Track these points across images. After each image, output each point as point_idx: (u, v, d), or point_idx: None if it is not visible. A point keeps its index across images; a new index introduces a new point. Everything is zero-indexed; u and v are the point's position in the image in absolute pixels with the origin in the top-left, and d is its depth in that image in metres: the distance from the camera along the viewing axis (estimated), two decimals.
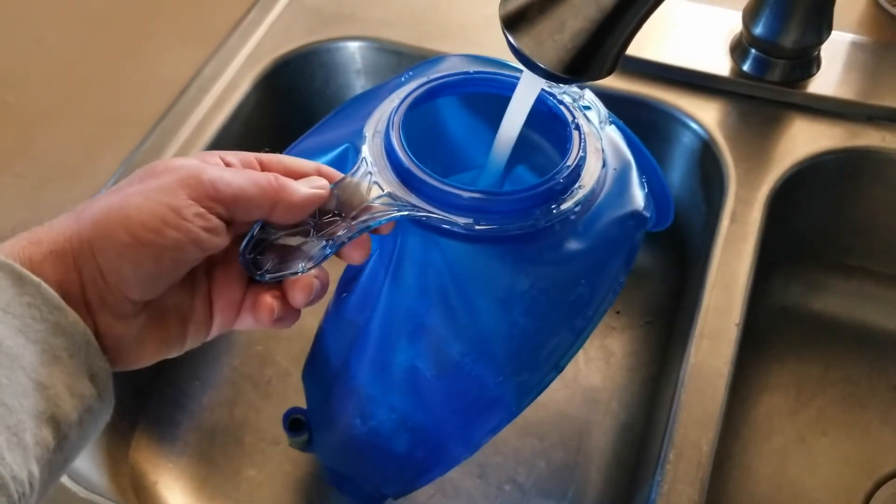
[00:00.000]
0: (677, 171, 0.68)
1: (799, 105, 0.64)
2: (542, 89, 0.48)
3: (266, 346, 0.69)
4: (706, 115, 0.64)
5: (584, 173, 0.45)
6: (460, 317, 0.46)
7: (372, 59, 0.73)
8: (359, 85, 0.75)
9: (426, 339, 0.47)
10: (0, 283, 0.33)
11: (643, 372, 0.67)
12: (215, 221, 0.37)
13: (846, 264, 0.70)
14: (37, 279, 0.33)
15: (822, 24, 0.62)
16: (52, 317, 0.33)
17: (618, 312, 0.71)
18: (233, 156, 0.40)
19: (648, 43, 0.66)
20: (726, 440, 0.63)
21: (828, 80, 0.65)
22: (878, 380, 0.66)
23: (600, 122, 0.49)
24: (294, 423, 0.57)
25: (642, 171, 0.49)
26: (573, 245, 0.45)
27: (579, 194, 0.44)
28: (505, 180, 0.51)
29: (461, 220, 0.42)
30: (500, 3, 0.41)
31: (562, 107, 0.48)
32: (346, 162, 0.48)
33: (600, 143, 0.47)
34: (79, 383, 0.34)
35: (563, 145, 0.46)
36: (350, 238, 0.40)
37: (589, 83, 0.48)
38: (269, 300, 0.39)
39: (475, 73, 0.50)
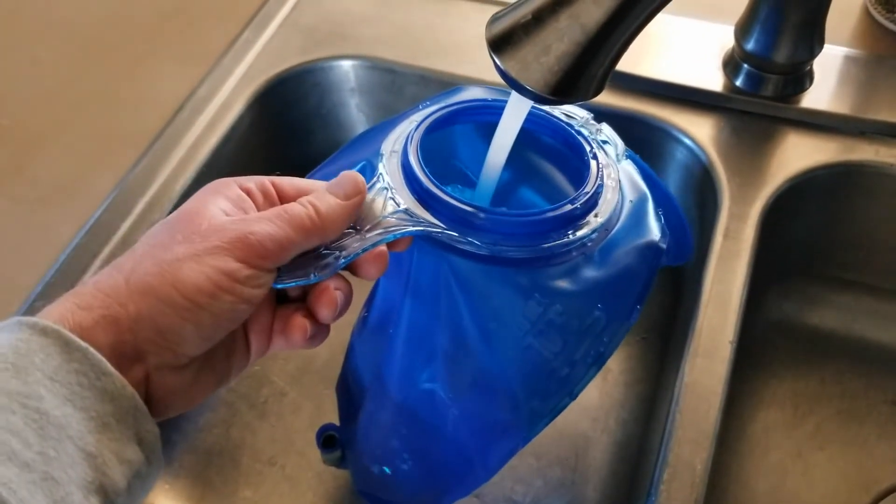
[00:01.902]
0: (671, 188, 0.67)
1: (792, 120, 0.64)
2: (561, 121, 0.49)
3: (262, 367, 0.69)
4: (699, 130, 0.64)
5: (601, 202, 0.45)
6: (473, 339, 0.46)
7: (366, 78, 0.73)
8: (353, 103, 0.75)
9: (442, 360, 0.47)
10: (48, 349, 0.33)
11: (639, 388, 0.67)
12: (265, 279, 0.37)
13: (841, 278, 0.70)
14: (84, 344, 0.33)
15: (813, 39, 0.62)
16: (100, 383, 0.33)
17: None
18: (249, 181, 0.41)
19: (641, 59, 0.67)
20: (723, 456, 0.63)
21: (821, 94, 0.65)
22: (875, 394, 0.66)
23: (617, 156, 0.49)
24: (328, 439, 0.57)
25: (660, 204, 0.50)
26: (589, 272, 0.45)
27: (596, 222, 0.44)
28: (505, 205, 0.51)
29: (476, 240, 0.42)
30: (487, 26, 0.41)
31: (579, 138, 0.48)
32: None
33: (617, 176, 0.48)
34: (126, 449, 0.34)
35: (578, 177, 0.47)
36: (364, 250, 0.40)
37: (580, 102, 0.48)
38: (300, 320, 0.40)
39: (494, 100, 0.50)
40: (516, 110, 0.44)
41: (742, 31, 0.63)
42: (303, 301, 0.41)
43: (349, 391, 0.57)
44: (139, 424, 0.35)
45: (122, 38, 0.75)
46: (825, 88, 0.65)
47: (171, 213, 0.59)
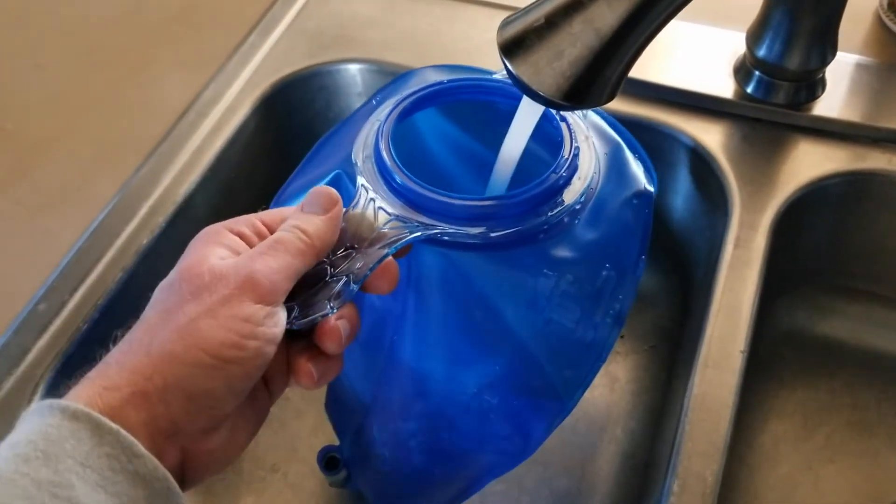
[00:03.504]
0: (680, 195, 0.67)
1: (804, 128, 0.64)
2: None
3: None
4: (710, 137, 0.63)
5: (580, 163, 0.45)
6: (493, 327, 0.46)
7: (373, 82, 0.72)
8: None
9: (464, 355, 0.47)
10: (79, 434, 0.32)
11: (647, 398, 0.66)
12: (280, 314, 0.37)
13: (853, 288, 0.69)
14: (115, 427, 0.33)
15: (826, 46, 0.61)
16: (132, 466, 0.33)
17: (622, 337, 0.70)
18: (239, 224, 0.40)
19: (651, 65, 0.66)
20: (732, 467, 0.62)
21: (833, 102, 0.64)
22: (886, 405, 0.65)
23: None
24: (330, 461, 0.55)
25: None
26: (587, 234, 0.45)
27: (580, 185, 0.44)
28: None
29: (473, 231, 0.42)
30: (498, 30, 0.40)
31: None
32: (338, 188, 0.47)
33: (587, 132, 0.47)
34: None
35: (553, 143, 0.46)
36: (371, 269, 0.39)
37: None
38: (304, 365, 0.40)
39: (449, 81, 0.49)
40: (527, 116, 0.44)
41: (754, 38, 0.62)
42: (310, 331, 0.40)
43: (347, 408, 0.55)
44: None
45: (126, 42, 0.75)
46: (837, 96, 0.64)
47: (174, 216, 0.60)
